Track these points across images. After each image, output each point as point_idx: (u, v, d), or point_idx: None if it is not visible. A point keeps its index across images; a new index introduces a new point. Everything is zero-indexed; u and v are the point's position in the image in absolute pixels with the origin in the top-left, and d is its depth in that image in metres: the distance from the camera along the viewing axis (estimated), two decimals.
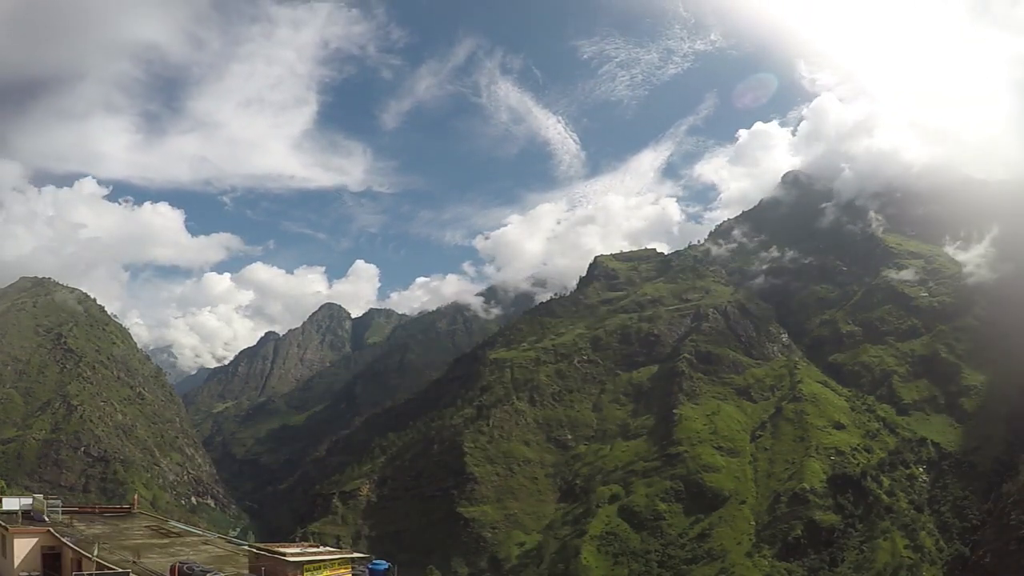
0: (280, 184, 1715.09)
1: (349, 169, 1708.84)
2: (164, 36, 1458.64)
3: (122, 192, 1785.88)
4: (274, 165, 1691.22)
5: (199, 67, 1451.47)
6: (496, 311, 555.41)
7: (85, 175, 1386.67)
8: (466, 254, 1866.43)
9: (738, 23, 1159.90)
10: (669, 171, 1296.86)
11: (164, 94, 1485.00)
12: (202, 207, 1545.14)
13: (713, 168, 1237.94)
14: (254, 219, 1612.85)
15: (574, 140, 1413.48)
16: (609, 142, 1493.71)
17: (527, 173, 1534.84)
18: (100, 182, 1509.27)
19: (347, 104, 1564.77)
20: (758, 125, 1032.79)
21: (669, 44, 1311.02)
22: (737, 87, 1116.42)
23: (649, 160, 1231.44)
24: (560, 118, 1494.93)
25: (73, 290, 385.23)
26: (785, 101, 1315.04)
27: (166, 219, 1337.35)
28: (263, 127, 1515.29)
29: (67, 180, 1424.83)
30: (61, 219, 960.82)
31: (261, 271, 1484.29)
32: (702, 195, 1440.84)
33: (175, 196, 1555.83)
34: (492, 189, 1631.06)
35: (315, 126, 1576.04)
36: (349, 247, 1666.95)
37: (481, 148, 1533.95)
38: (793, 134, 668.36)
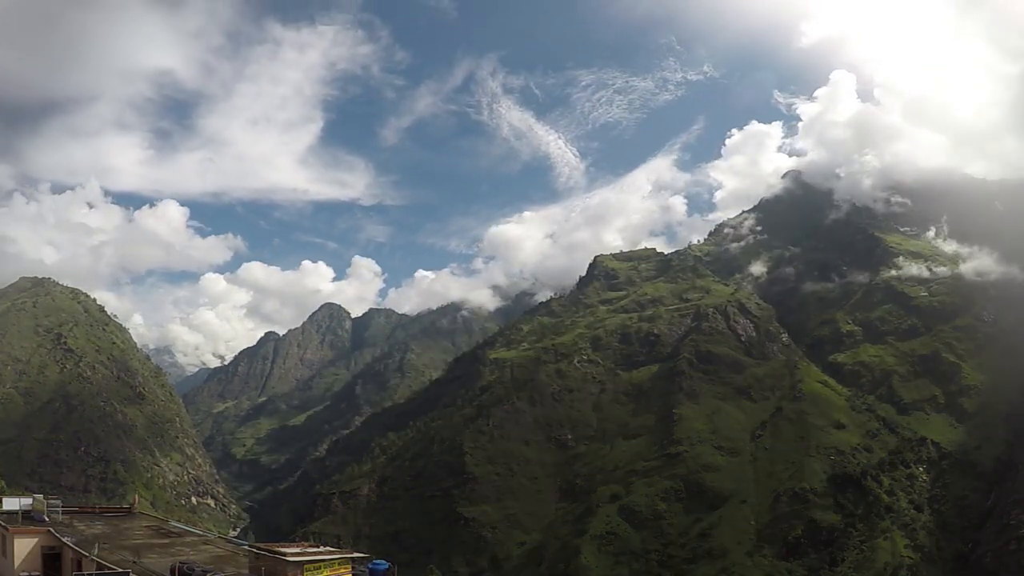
0: (286, 197, 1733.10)
1: (352, 183, 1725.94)
2: (179, 64, 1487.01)
3: (130, 201, 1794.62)
4: (281, 179, 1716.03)
5: (210, 88, 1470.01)
6: (496, 310, 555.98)
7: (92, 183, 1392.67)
8: (468, 261, 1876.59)
9: (728, 56, 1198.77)
10: (667, 174, 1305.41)
11: (175, 113, 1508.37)
12: (209, 214, 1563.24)
13: (712, 168, 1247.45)
14: (265, 228, 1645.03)
15: (574, 154, 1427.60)
16: (607, 157, 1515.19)
17: (528, 185, 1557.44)
18: (108, 192, 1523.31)
19: (350, 122, 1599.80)
20: (755, 124, 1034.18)
21: (664, 74, 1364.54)
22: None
23: (645, 175, 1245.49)
24: (560, 135, 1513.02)
25: (73, 290, 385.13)
26: (775, 114, 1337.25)
27: (171, 222, 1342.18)
28: (270, 144, 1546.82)
29: (72, 187, 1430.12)
30: (64, 220, 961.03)
31: (258, 270, 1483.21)
32: (701, 195, 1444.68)
33: (183, 204, 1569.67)
34: (495, 202, 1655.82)
35: (319, 142, 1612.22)
36: (356, 255, 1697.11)
37: (485, 163, 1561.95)
38: (793, 134, 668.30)
